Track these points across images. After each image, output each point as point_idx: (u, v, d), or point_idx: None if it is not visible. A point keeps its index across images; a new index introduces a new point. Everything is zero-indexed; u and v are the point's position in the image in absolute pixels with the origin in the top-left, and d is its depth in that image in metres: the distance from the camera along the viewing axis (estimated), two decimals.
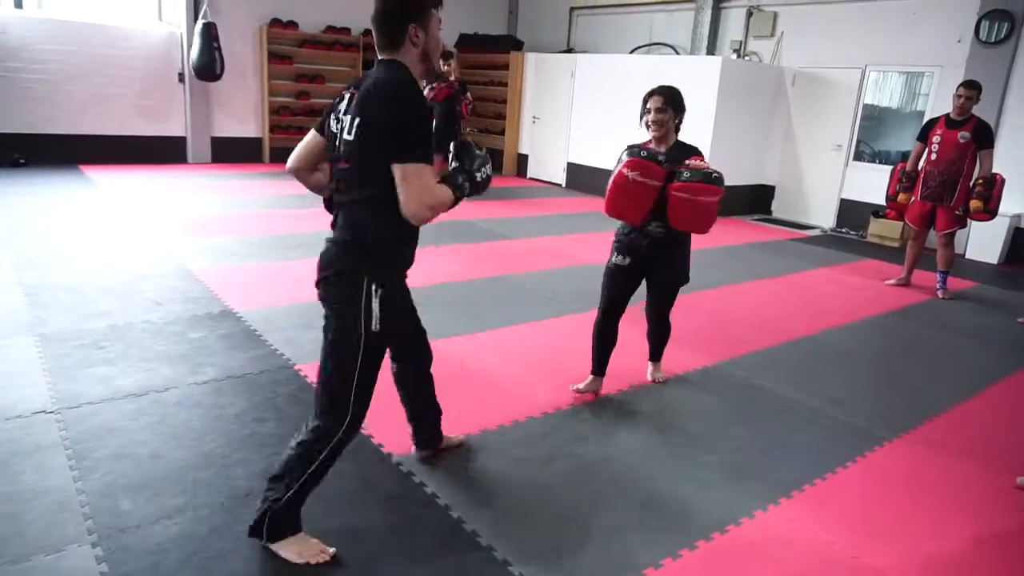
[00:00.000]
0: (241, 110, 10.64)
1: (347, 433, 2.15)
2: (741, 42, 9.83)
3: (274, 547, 2.17)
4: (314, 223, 6.91)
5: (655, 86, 3.33)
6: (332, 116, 2.11)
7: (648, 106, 3.28)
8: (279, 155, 10.98)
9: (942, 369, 4.30)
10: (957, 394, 3.87)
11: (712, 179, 3.12)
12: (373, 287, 2.05)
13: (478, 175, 2.19)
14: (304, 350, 3.77)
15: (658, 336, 3.73)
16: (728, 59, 9.08)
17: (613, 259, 3.44)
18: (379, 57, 2.07)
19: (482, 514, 2.46)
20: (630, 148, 3.19)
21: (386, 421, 3.06)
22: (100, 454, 2.64)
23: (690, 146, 3.34)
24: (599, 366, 3.52)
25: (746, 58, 9.70)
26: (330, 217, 2.25)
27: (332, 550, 2.19)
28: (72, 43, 9.15)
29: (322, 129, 2.19)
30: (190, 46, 9.60)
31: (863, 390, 3.85)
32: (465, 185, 2.15)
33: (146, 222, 6.49)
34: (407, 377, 2.69)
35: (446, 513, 2.45)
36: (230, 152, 10.54)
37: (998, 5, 7.42)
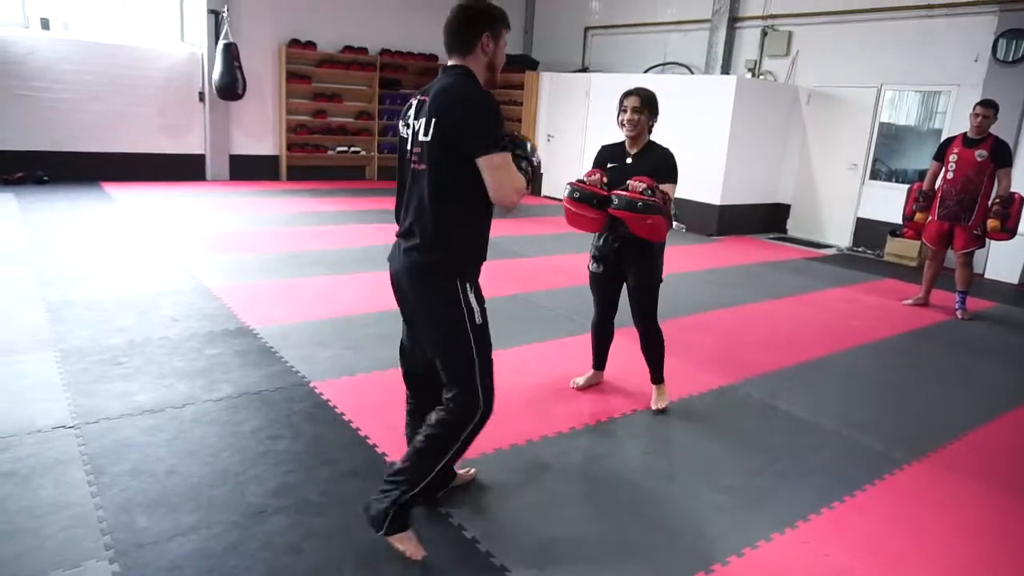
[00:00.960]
0: (259, 128, 10.80)
1: (480, 422, 2.26)
2: (756, 61, 9.85)
3: (392, 539, 2.24)
4: (329, 240, 6.98)
5: (632, 87, 3.35)
6: (402, 122, 2.25)
7: (624, 105, 3.31)
8: (296, 173, 11.12)
9: (962, 391, 4.24)
10: (977, 416, 3.82)
11: (638, 208, 3.07)
12: (468, 285, 2.21)
13: (533, 160, 2.28)
14: (319, 367, 3.79)
15: (647, 349, 3.55)
16: (743, 78, 9.10)
17: (590, 266, 3.57)
18: (448, 63, 2.23)
19: (496, 534, 2.45)
20: (569, 185, 3.29)
21: (399, 439, 3.05)
22: (118, 469, 2.67)
23: (661, 148, 3.35)
24: (596, 361, 3.76)
25: (761, 77, 9.72)
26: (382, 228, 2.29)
27: (423, 552, 2.27)
28: (96, 63, 9.35)
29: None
30: (211, 66, 9.77)
31: (881, 412, 3.81)
32: (528, 171, 2.24)
33: (164, 239, 6.58)
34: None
35: (460, 532, 2.45)
36: (248, 170, 10.69)
37: (1015, 24, 7.40)
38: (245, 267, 5.77)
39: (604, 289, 3.58)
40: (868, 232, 8.86)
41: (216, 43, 9.64)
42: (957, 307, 5.92)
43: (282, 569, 2.19)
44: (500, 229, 8.19)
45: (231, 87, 9.63)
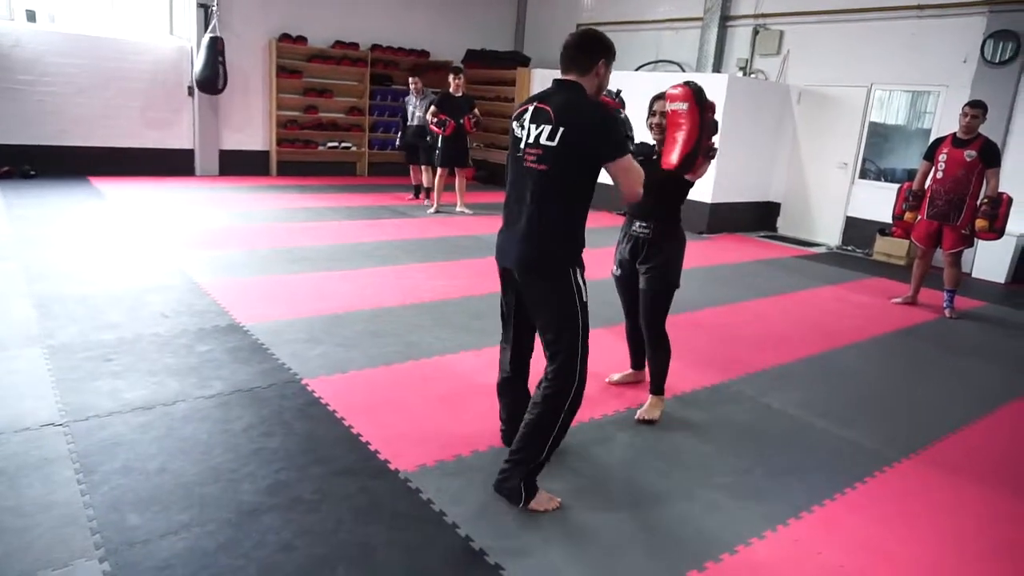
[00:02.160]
0: (249, 124, 10.73)
1: (578, 392, 2.51)
2: (747, 60, 9.88)
3: (532, 505, 2.54)
4: (319, 237, 6.95)
5: (661, 92, 3.28)
6: (516, 123, 2.52)
7: (654, 109, 3.34)
8: (286, 169, 11.06)
9: (950, 389, 4.28)
10: (966, 415, 3.85)
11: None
12: (577, 270, 2.50)
13: (631, 135, 2.62)
14: (310, 365, 3.77)
15: (649, 355, 3.47)
16: (734, 77, 9.12)
17: (613, 270, 3.64)
18: (561, 77, 2.49)
19: (490, 532, 2.45)
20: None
21: (393, 437, 3.06)
22: (108, 467, 2.64)
23: None
24: (633, 361, 3.83)
25: (752, 76, 9.74)
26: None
27: (558, 500, 2.61)
28: (84, 56, 9.25)
29: None
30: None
31: (871, 410, 3.83)
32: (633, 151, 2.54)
33: (154, 234, 6.52)
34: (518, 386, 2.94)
35: (454, 531, 2.44)
36: (237, 165, 10.62)
37: (1004, 26, 7.46)
38: (235, 263, 5.73)
39: (625, 293, 3.61)
40: (857, 231, 8.91)
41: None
42: (945, 306, 5.96)
43: (275, 567, 2.18)
44: (495, 227, 8.19)
45: (211, 81, 9.57)
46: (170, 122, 10.09)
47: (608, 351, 4.15)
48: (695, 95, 2.99)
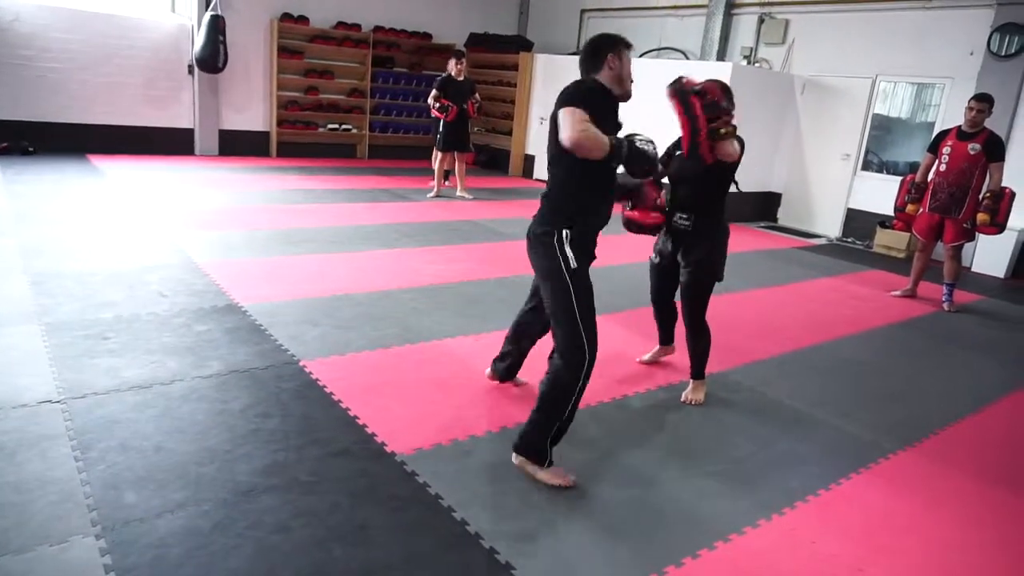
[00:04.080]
0: (249, 104, 10.66)
1: (589, 364, 2.64)
2: (752, 49, 9.81)
3: (544, 475, 2.67)
4: (319, 219, 6.93)
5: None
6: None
7: None
8: (286, 149, 11.00)
9: (947, 382, 4.28)
10: (963, 408, 3.86)
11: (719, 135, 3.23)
12: (563, 242, 2.63)
13: (638, 141, 2.58)
14: (309, 346, 3.76)
15: (691, 343, 3.56)
16: (738, 65, 9.06)
17: (652, 257, 3.72)
18: None
19: (485, 516, 2.46)
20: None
21: (389, 420, 3.06)
22: (105, 445, 2.64)
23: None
24: (662, 336, 3.95)
25: (756, 65, 9.68)
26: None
27: (573, 479, 2.70)
28: (84, 32, 9.17)
29: None
30: None
31: (868, 401, 3.84)
32: (622, 144, 2.54)
33: (153, 213, 6.50)
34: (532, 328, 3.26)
35: (450, 514, 2.45)
36: (237, 145, 10.56)
37: (1011, 19, 7.40)
38: (234, 243, 5.71)
39: (659, 280, 3.74)
40: (858, 223, 8.89)
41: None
42: (944, 299, 5.96)
43: (271, 548, 2.18)
44: (492, 212, 8.19)
45: (211, 60, 9.47)
46: (170, 101, 10.02)
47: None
48: (674, 91, 3.19)
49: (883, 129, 8.94)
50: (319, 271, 5.19)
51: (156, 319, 3.94)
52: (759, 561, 2.36)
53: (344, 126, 11.51)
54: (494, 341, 4.14)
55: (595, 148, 2.46)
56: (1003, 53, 7.48)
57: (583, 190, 2.68)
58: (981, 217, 5.58)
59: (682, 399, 3.55)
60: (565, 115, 2.48)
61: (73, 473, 2.45)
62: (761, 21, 9.66)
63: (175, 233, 5.83)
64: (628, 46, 2.69)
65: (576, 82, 2.64)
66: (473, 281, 5.31)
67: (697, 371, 3.59)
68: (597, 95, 2.62)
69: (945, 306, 5.92)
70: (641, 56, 10.82)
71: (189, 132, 10.27)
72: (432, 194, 8.90)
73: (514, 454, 2.74)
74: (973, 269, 7.70)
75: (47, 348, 3.43)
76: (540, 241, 2.70)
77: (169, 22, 9.89)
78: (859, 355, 4.60)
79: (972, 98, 5.63)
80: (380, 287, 4.93)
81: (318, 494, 2.48)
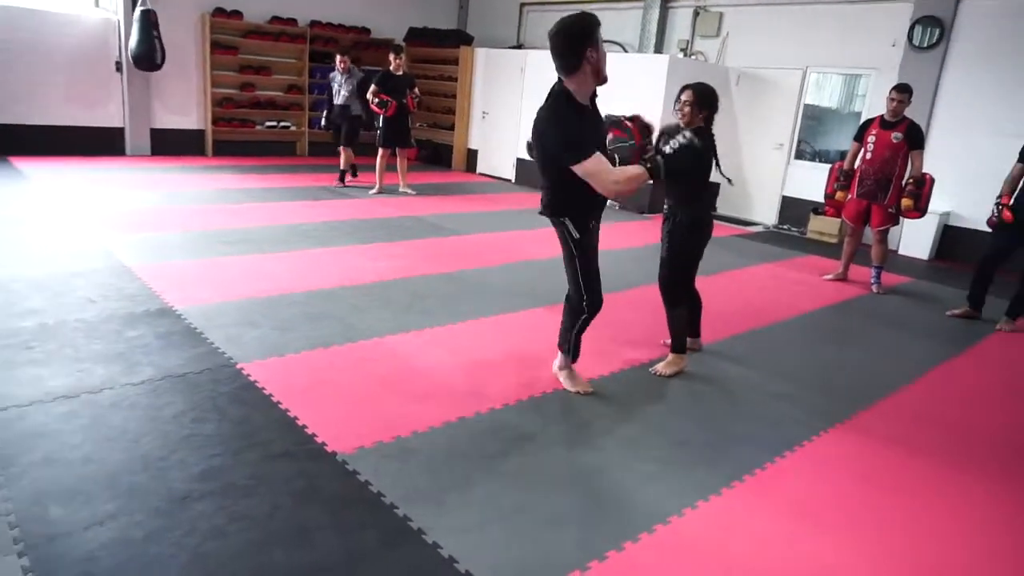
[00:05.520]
0: (183, 101, 10.34)
1: (590, 311, 3.33)
2: (688, 41, 9.99)
3: (570, 380, 3.51)
4: (256, 218, 6.78)
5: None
6: None
7: (681, 98, 3.81)
8: (222, 148, 10.72)
9: (876, 361, 4.46)
10: (890, 384, 4.03)
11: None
12: (569, 220, 3.17)
13: (666, 148, 3.21)
14: (246, 348, 3.68)
15: (667, 317, 3.98)
16: (675, 58, 9.23)
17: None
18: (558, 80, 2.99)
19: (428, 511, 2.45)
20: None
21: (330, 419, 3.02)
22: (28, 459, 2.53)
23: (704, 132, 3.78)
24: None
25: (693, 57, 9.87)
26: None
27: (591, 388, 3.49)
28: (1, 28, 8.72)
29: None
30: (127, 34, 9.26)
31: (803, 382, 3.97)
32: (658, 167, 3.03)
33: (81, 216, 6.24)
34: None
35: (392, 511, 2.43)
36: (171, 144, 10.24)
37: (930, 11, 7.73)
38: (168, 246, 5.54)
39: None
40: (792, 210, 9.17)
41: (133, 9, 9.12)
42: (873, 282, 6.20)
43: (207, 555, 2.13)
44: (435, 207, 8.16)
45: (148, 56, 9.12)
46: (97, 99, 9.64)
47: (543, 329, 4.17)
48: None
49: (814, 119, 9.24)
50: (257, 271, 5.07)
51: (84, 326, 3.80)
52: (696, 543, 2.42)
53: (283, 123, 11.28)
54: (438, 337, 4.13)
55: (635, 186, 2.94)
56: (923, 45, 7.80)
57: (574, 191, 3.01)
58: (905, 202, 5.82)
59: (653, 370, 3.89)
60: (586, 174, 2.86)
61: None
62: (696, 14, 9.84)
63: (104, 236, 5.62)
64: (599, 24, 2.86)
65: (552, 118, 2.93)
66: (416, 277, 5.28)
67: (673, 345, 3.96)
68: (576, 122, 2.92)
69: (874, 288, 6.16)
70: None
71: (119, 132, 9.90)
72: (374, 191, 8.80)
73: (556, 358, 3.55)
74: (900, 252, 8.04)
75: None
76: (552, 221, 3.25)
77: (93, 17, 9.50)
78: (794, 338, 4.76)
79: (893, 88, 5.86)
80: (321, 286, 4.85)
81: (257, 497, 2.44)
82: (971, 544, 2.57)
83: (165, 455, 2.64)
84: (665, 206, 3.97)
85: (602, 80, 2.93)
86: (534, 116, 3.05)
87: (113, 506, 2.31)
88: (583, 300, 3.27)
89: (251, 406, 3.09)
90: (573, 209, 3.15)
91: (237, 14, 10.40)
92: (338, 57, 9.04)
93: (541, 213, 3.29)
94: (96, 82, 9.58)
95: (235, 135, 10.87)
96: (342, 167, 9.11)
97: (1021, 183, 5.16)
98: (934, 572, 2.39)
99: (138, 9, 9.03)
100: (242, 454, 2.69)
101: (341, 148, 9.08)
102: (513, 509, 2.51)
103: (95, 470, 2.51)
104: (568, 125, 2.90)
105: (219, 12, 10.25)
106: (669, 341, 4.00)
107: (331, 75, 9.17)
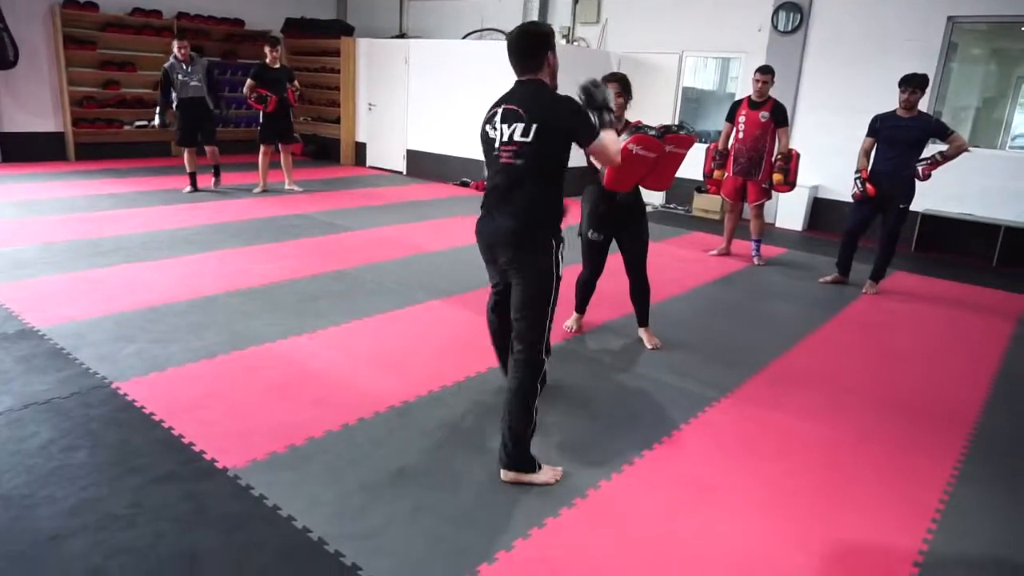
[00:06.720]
0: (37, 102, 9.51)
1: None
2: (569, 28, 10.14)
3: (531, 478, 2.66)
4: (129, 225, 6.33)
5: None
6: (488, 126, 2.72)
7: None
8: (86, 152, 9.96)
9: (760, 329, 4.71)
10: (773, 351, 4.26)
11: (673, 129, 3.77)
12: (559, 245, 2.71)
13: (604, 99, 2.82)
14: (122, 366, 3.43)
15: (642, 294, 4.20)
16: (557, 44, 9.32)
17: (589, 235, 4.16)
18: (521, 78, 2.73)
19: (329, 520, 2.37)
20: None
21: (218, 434, 2.86)
22: None
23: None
24: (581, 306, 4.39)
25: (574, 44, 10.03)
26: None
27: (560, 469, 2.75)
28: None
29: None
30: None
31: (694, 355, 4.13)
32: (606, 118, 2.77)
33: None
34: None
35: (290, 523, 2.34)
36: (26, 149, 9.41)
37: None
38: (26, 260, 5.07)
39: (600, 255, 4.21)
40: (679, 190, 9.49)
41: None
42: (754, 254, 6.55)
43: None
44: (324, 204, 7.91)
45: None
46: None
47: (441, 322, 4.14)
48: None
49: (693, 101, 9.61)
50: (133, 282, 4.74)
51: None
52: (602, 521, 2.46)
53: (153, 123, 10.56)
54: (330, 338, 4.00)
55: (615, 148, 2.79)
56: (786, 29, 8.27)
57: (560, 199, 2.79)
58: (776, 177, 6.16)
59: (648, 346, 4.17)
60: (603, 147, 2.71)
61: None
62: (576, 1, 9.99)
63: None
64: (554, 35, 2.88)
65: (577, 108, 2.73)
66: (306, 277, 5.09)
67: (645, 317, 4.28)
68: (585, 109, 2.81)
69: (755, 260, 6.50)
70: (464, 38, 10.84)
71: None
72: (259, 190, 8.43)
73: (503, 471, 2.66)
74: (776, 225, 8.52)
75: None
76: (541, 245, 2.67)
77: None
78: (684, 313, 4.94)
79: (756, 70, 6.17)
80: (203, 293, 4.59)
81: (138, 527, 2.27)
82: (844, 491, 2.76)
83: (30, 492, 2.41)
84: (617, 197, 4.07)
85: (553, 88, 2.80)
86: (527, 106, 2.63)
87: None
88: (544, 350, 2.72)
89: (129, 428, 2.88)
90: (556, 225, 2.74)
91: (92, 6, 9.64)
92: (176, 43, 7.93)
93: (506, 246, 2.68)
94: None
95: (101, 137, 10.11)
96: (189, 169, 8.16)
97: (872, 155, 5.58)
98: (821, 523, 2.55)
99: None
100: (120, 481, 2.51)
101: (188, 150, 8.11)
102: (415, 509, 2.47)
103: None
104: (579, 105, 2.76)
105: (71, 3, 9.45)
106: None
107: (168, 64, 7.89)
